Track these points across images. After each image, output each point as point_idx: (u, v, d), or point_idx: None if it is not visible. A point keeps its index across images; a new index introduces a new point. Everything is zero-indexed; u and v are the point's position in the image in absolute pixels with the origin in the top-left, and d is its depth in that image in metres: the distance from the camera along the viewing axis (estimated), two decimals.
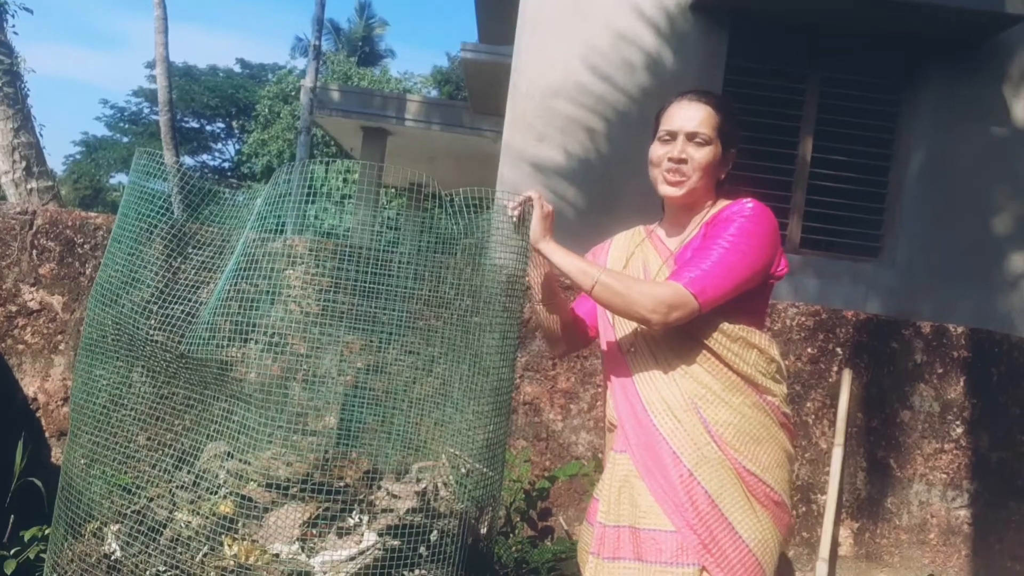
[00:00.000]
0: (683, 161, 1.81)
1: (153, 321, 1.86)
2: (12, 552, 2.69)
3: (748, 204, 1.79)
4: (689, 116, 1.82)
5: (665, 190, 1.86)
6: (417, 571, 1.73)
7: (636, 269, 1.91)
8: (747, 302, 1.79)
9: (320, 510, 1.77)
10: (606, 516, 1.79)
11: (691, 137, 1.81)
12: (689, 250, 1.80)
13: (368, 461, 1.96)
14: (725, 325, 1.76)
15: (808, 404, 3.51)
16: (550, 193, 5.25)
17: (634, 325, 1.84)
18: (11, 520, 2.85)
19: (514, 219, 1.82)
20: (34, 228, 3.38)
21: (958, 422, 3.54)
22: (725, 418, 1.74)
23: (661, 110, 1.91)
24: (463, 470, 1.88)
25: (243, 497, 1.77)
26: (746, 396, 1.77)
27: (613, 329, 1.91)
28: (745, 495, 1.72)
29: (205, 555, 1.70)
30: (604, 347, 1.97)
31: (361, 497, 1.84)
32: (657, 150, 1.87)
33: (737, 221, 1.76)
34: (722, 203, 1.86)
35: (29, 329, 3.37)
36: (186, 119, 30.87)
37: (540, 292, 1.98)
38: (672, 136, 1.83)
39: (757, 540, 1.70)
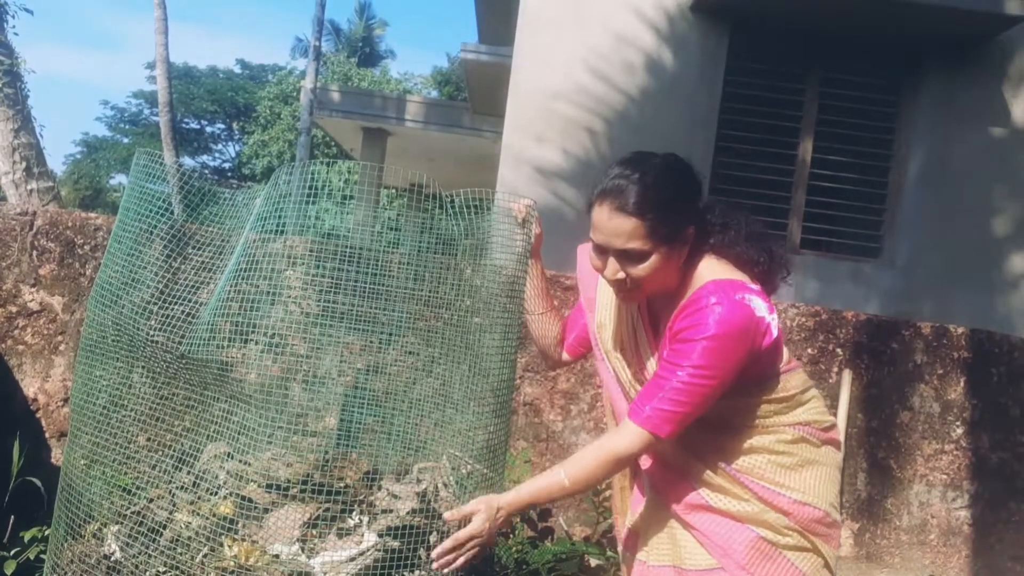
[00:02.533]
0: (622, 281, 1.61)
1: (153, 322, 1.86)
2: (12, 553, 2.69)
3: (711, 317, 1.53)
4: (614, 232, 1.57)
5: (621, 301, 1.72)
6: (417, 572, 1.73)
7: (630, 350, 1.75)
8: (751, 378, 1.61)
9: (320, 511, 1.77)
10: (647, 554, 1.75)
11: (621, 255, 1.58)
12: (666, 348, 1.65)
13: (368, 462, 1.96)
14: (741, 401, 1.64)
15: None
16: (550, 195, 5.25)
17: (634, 386, 1.73)
18: (11, 521, 2.85)
19: (518, 219, 1.81)
20: (34, 229, 3.38)
21: (958, 423, 3.54)
22: (759, 462, 1.64)
23: (591, 199, 1.66)
24: (464, 471, 1.88)
25: (243, 498, 1.77)
26: (778, 435, 1.65)
27: (619, 387, 1.78)
28: (796, 530, 1.64)
29: (205, 556, 1.70)
30: (606, 393, 1.86)
31: (361, 498, 1.84)
32: (594, 259, 1.64)
33: (698, 345, 1.53)
34: (694, 286, 1.63)
35: (29, 330, 3.37)
36: (186, 120, 30.89)
37: (533, 303, 1.91)
38: (602, 250, 1.61)
39: (811, 566, 1.64)
